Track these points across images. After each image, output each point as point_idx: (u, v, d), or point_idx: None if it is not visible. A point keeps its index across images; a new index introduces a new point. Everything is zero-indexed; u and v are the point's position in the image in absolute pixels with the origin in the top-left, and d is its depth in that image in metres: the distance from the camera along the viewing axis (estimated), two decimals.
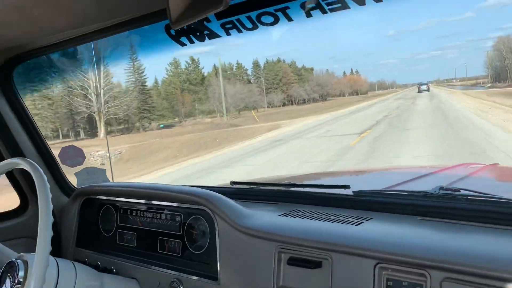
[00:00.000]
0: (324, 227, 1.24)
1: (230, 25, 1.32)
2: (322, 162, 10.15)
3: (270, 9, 1.23)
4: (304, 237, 1.20)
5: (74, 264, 1.47)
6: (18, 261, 1.30)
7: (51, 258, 1.36)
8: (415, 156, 9.40)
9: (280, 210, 1.47)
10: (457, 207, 1.22)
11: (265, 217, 1.41)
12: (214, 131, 24.39)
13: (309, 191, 1.61)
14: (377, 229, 1.21)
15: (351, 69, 55.26)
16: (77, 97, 27.51)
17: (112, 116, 29.26)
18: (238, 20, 1.29)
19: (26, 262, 1.29)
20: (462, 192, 1.26)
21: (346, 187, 1.47)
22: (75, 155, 1.92)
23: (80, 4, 1.26)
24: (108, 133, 28.56)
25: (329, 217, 1.31)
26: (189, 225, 1.56)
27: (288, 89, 42.82)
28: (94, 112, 27.96)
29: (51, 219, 1.12)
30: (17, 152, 1.83)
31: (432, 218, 1.22)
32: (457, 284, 0.94)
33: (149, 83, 35.66)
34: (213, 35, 1.35)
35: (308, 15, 1.22)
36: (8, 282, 1.27)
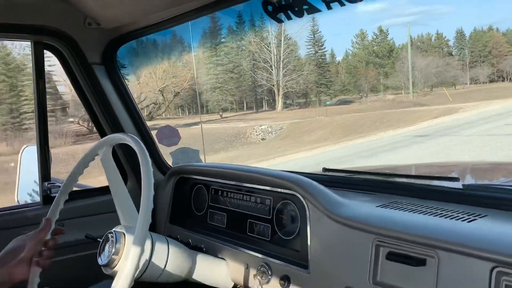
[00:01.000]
0: (430, 221, 1.12)
1: None
2: None
3: None
4: (406, 231, 1.09)
5: (167, 240, 1.51)
6: (116, 232, 1.35)
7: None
8: None
9: (378, 201, 1.37)
10: None
11: (362, 207, 1.32)
12: (384, 112, 22.59)
13: (410, 182, 1.48)
14: (494, 228, 1.06)
15: None
16: (260, 70, 28.55)
17: (289, 90, 29.47)
18: None
19: (123, 234, 1.33)
20: None
21: (454, 179, 1.32)
22: (171, 135, 1.97)
23: None
24: (286, 106, 29.05)
25: (435, 211, 1.18)
26: (279, 210, 1.51)
27: (498, 62, 34.28)
28: (273, 85, 28.71)
29: (153, 192, 1.14)
30: (118, 129, 1.92)
31: None
32: None
33: (334, 56, 34.62)
34: (313, 10, 1.27)
35: None
36: (106, 251, 1.32)
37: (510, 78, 34.78)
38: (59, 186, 1.65)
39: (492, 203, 1.20)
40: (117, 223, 1.90)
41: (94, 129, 1.98)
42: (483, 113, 17.76)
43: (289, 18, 1.34)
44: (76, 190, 1.48)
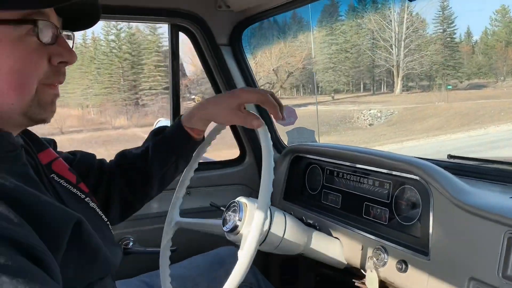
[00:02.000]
0: None
1: None
2: None
3: None
4: None
5: (284, 213, 1.57)
6: (239, 201, 1.44)
7: None
8: None
9: (510, 192, 1.27)
10: None
11: (492, 197, 1.23)
12: None
13: None
14: None
15: None
16: (379, 50, 27.30)
17: (410, 71, 27.64)
18: None
19: (246, 203, 1.42)
20: None
21: None
22: (288, 115, 2.02)
23: None
24: (407, 89, 27.38)
25: None
26: (398, 194, 1.48)
27: None
28: (392, 66, 27.17)
29: (273, 163, 1.19)
30: None
31: None
32: None
33: (470, 35, 31.26)
34: None
35: None
36: (231, 219, 1.43)
37: None
38: None
39: None
40: (237, 194, 2.03)
41: None
42: None
43: None
44: (202, 162, 1.61)
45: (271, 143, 1.22)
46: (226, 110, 1.24)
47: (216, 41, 1.92)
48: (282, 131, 2.25)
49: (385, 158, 1.51)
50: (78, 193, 1.04)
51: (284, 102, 1.35)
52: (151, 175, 1.30)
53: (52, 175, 1.02)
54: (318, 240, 1.60)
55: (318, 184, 1.86)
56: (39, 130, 1.03)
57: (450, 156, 1.65)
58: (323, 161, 1.84)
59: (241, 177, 2.10)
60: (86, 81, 28.08)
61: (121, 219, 1.34)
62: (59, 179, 1.03)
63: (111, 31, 27.87)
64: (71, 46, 0.94)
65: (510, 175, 1.42)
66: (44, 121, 0.89)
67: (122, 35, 28.12)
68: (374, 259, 1.44)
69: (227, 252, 1.79)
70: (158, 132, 1.33)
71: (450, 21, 29.00)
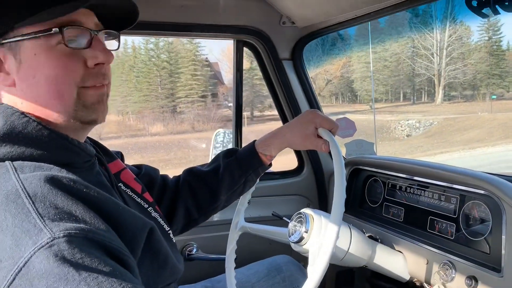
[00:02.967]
0: None
1: None
2: None
3: None
4: None
5: (349, 226, 1.60)
6: (305, 213, 1.48)
7: None
8: None
9: None
10: None
11: None
12: None
13: None
14: None
15: None
16: (419, 58, 26.69)
17: (452, 80, 26.91)
18: None
19: (312, 216, 1.46)
20: None
21: None
22: (347, 127, 2.04)
23: None
24: (449, 98, 26.68)
25: None
26: (466, 210, 1.48)
27: None
28: (433, 75, 26.58)
29: (345, 183, 1.22)
30: None
31: None
32: None
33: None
34: None
35: None
36: (297, 230, 1.46)
37: None
38: None
39: None
40: (295, 204, 2.07)
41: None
42: None
43: (496, 13, 1.29)
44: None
45: (343, 162, 1.26)
46: (302, 137, 1.35)
47: (278, 56, 1.99)
48: (340, 142, 2.27)
49: (451, 172, 1.52)
50: (142, 202, 1.11)
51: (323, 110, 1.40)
52: (219, 193, 1.37)
53: (120, 184, 1.09)
54: (382, 253, 1.62)
55: (379, 197, 1.88)
56: None
57: None
58: (384, 173, 1.86)
59: (298, 188, 2.15)
60: (126, 89, 28.90)
61: (182, 231, 1.41)
62: (126, 188, 1.10)
63: (150, 40, 28.58)
64: (116, 46, 0.98)
65: None
66: (95, 121, 0.92)
67: (161, 44, 28.77)
68: (442, 273, 1.45)
69: (283, 260, 1.83)
70: (229, 154, 1.41)
71: (496, 28, 27.95)
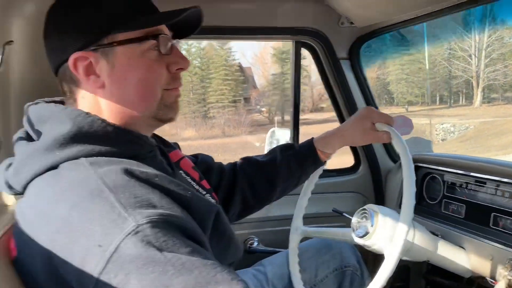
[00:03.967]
0: None
1: None
2: None
3: None
4: None
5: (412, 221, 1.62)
6: (370, 209, 1.52)
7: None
8: None
9: None
10: None
11: None
12: None
13: None
14: None
15: None
16: (456, 60, 25.78)
17: (492, 82, 25.37)
18: None
19: (376, 211, 1.50)
20: None
21: None
22: (404, 125, 2.06)
23: None
24: (488, 101, 25.08)
25: None
26: None
27: None
28: (471, 77, 25.36)
29: (414, 177, 1.25)
30: None
31: None
32: None
33: None
34: None
35: None
36: (362, 225, 1.51)
37: None
38: None
39: None
40: (352, 201, 2.11)
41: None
42: None
43: None
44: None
45: (410, 156, 1.30)
46: (361, 133, 1.41)
47: (336, 56, 2.03)
48: None
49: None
50: (200, 189, 1.18)
51: None
52: (275, 183, 1.43)
53: (180, 171, 1.17)
54: (445, 248, 1.63)
55: (438, 194, 1.89)
56: None
57: None
58: (443, 170, 1.87)
59: (355, 185, 2.18)
60: None
61: (238, 218, 1.47)
62: (186, 176, 1.17)
63: (183, 46, 28.93)
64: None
65: None
66: (172, 119, 1.02)
67: (193, 50, 29.16)
68: (508, 269, 1.46)
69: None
70: (287, 148, 1.47)
71: None
